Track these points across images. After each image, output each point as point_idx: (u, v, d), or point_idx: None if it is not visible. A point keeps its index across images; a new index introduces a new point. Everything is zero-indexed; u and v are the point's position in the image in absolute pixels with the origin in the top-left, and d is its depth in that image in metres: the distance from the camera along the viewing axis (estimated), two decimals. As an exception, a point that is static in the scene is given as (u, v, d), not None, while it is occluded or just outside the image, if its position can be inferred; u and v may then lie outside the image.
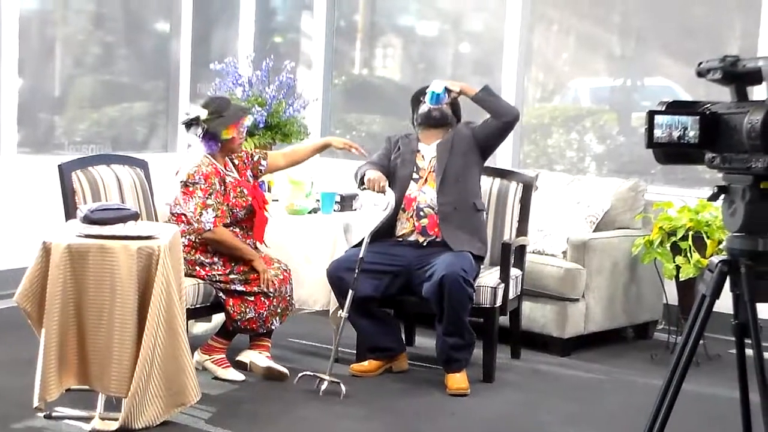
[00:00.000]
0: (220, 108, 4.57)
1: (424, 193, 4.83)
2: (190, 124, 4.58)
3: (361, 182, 4.90)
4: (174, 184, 4.58)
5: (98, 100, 7.14)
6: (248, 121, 4.77)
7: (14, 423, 3.91)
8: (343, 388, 4.39)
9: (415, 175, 4.90)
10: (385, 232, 4.83)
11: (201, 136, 4.57)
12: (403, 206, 4.85)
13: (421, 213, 4.81)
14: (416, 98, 5.05)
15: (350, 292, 4.60)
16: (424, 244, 4.79)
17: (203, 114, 4.55)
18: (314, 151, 5.08)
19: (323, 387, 4.42)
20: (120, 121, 7.24)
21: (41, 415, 3.92)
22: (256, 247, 4.73)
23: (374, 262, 4.71)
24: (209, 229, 4.49)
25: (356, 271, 4.58)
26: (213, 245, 4.56)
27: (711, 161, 2.62)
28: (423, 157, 4.92)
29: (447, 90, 4.91)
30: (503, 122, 4.86)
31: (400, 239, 4.85)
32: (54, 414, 3.95)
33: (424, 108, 4.94)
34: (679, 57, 6.48)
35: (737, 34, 6.40)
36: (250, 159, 4.80)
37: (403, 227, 4.85)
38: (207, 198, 4.50)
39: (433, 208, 4.81)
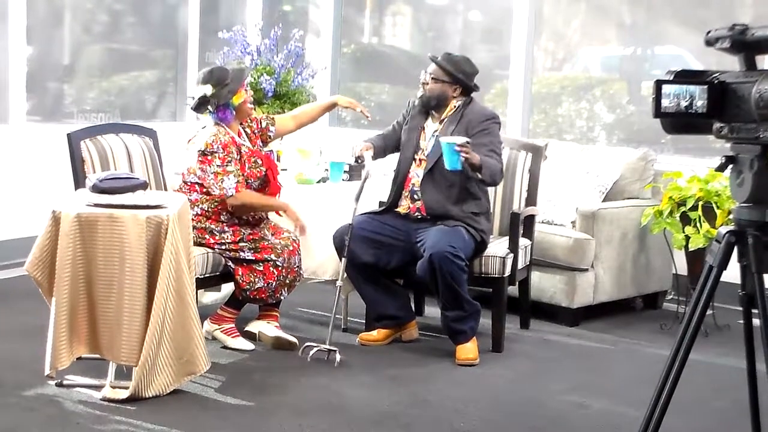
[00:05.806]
0: (221, 78, 4.55)
1: (418, 177, 4.77)
2: (199, 105, 4.56)
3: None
4: (189, 153, 4.58)
5: (107, 68, 7.13)
6: (248, 77, 4.75)
7: (26, 390, 3.93)
8: (338, 356, 4.41)
9: (416, 156, 4.80)
10: (390, 204, 4.83)
11: (215, 111, 4.56)
12: (404, 184, 4.82)
13: (415, 196, 4.77)
14: None
15: (343, 260, 4.64)
16: (419, 217, 4.76)
17: (208, 90, 4.52)
18: (323, 110, 5.08)
19: (327, 356, 4.44)
20: (129, 89, 7.23)
21: (53, 383, 3.95)
22: (267, 218, 4.74)
23: (376, 232, 4.73)
24: (232, 195, 4.50)
25: (347, 238, 4.59)
26: (239, 210, 4.56)
27: (719, 131, 2.61)
28: (425, 136, 4.81)
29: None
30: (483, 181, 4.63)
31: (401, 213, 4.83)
32: (65, 382, 3.98)
33: (419, 92, 4.80)
34: (691, 25, 6.43)
35: (750, 2, 6.34)
36: (259, 126, 4.80)
37: (401, 204, 4.83)
38: (226, 165, 4.51)
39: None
